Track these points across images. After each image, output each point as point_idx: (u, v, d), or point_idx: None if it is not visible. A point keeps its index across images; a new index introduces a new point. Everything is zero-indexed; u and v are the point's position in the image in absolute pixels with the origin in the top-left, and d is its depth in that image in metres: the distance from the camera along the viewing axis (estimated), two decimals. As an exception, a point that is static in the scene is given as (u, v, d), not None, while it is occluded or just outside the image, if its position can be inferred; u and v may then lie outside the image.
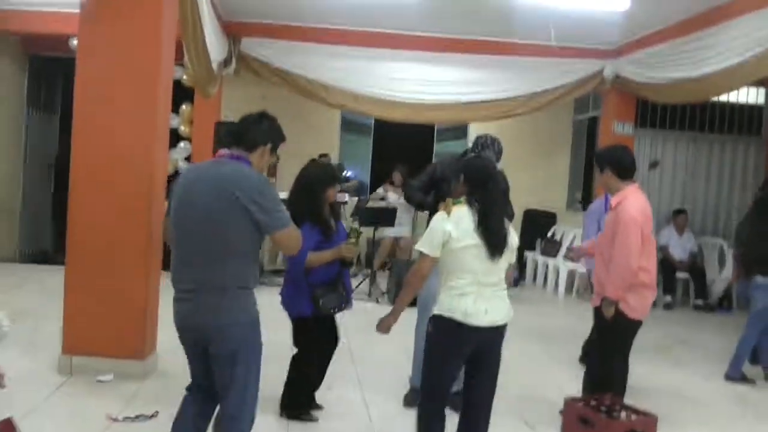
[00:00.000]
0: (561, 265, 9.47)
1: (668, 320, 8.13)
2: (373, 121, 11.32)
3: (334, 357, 4.31)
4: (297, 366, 4.15)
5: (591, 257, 4.56)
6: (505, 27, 8.61)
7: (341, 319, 4.29)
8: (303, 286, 3.94)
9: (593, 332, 4.42)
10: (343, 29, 9.16)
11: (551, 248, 10.03)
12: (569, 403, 3.92)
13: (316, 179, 4.07)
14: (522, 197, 10.98)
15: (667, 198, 10.42)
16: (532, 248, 10.54)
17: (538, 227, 10.77)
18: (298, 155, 10.13)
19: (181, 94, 8.87)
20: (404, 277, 3.46)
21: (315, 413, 4.22)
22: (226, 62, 8.87)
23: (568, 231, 10.03)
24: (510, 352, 5.62)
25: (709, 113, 10.42)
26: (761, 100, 10.64)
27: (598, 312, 4.14)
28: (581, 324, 7.98)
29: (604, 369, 4.17)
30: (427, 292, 3.76)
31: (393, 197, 9.77)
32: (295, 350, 4.18)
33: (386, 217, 8.75)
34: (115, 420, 3.92)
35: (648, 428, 3.71)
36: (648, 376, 5.35)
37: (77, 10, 4.72)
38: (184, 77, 8.70)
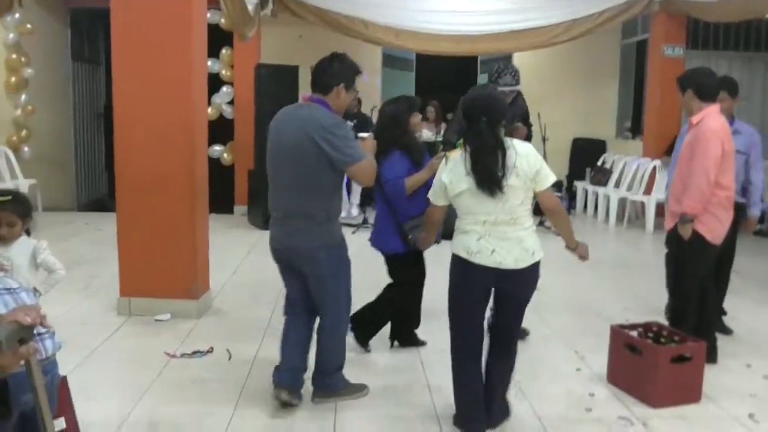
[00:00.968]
0: (611, 193, 9.31)
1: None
2: (414, 56, 11.14)
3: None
4: (396, 298, 4.23)
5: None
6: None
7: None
8: (392, 222, 4.01)
9: (667, 260, 4.29)
10: (379, -37, 8.96)
11: (601, 177, 9.87)
12: (615, 330, 3.91)
13: (398, 110, 4.11)
14: (570, 126, 10.84)
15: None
16: (582, 177, 10.38)
17: (587, 156, 10.59)
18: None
19: (220, 38, 8.85)
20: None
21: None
22: (262, 4, 8.79)
23: (618, 160, 9.83)
24: (560, 281, 5.75)
25: (765, 31, 9.91)
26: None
27: (671, 237, 4.05)
28: (633, 253, 7.94)
29: (676, 298, 4.11)
30: None
31: (427, 134, 9.64)
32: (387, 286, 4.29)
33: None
34: (173, 356, 4.10)
35: (697, 354, 3.69)
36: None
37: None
38: (222, 21, 8.67)
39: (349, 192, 9.47)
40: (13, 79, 9.17)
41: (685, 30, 9.35)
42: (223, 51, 9.42)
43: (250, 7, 7.33)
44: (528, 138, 4.81)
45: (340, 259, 3.41)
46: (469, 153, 3.00)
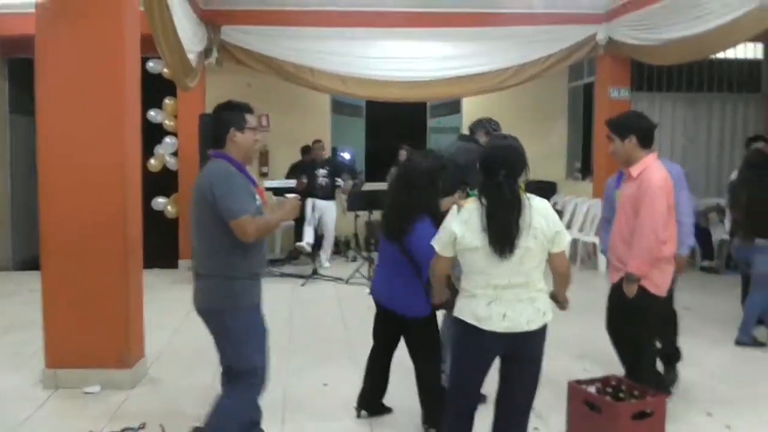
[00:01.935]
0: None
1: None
2: (364, 102, 11.09)
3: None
4: (433, 369, 3.78)
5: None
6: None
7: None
8: (417, 283, 3.61)
9: (611, 312, 4.11)
10: (325, 10, 8.93)
11: (553, 219, 9.81)
12: (573, 386, 3.73)
13: (434, 168, 3.68)
14: (520, 170, 10.84)
15: (666, 159, 10.15)
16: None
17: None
18: (290, 141, 10.00)
19: (164, 88, 8.63)
20: None
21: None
22: (207, 52, 8.63)
23: (569, 201, 9.84)
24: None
25: (707, 72, 10.16)
26: (760, 55, 10.34)
27: (616, 290, 3.85)
28: (587, 295, 7.82)
29: (631, 355, 3.93)
30: None
31: None
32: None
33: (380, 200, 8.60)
34: (100, 436, 3.77)
35: (658, 408, 3.52)
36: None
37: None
38: (164, 70, 8.45)
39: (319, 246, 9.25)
40: (-57, 133, 8.77)
41: (629, 72, 9.49)
42: (166, 101, 9.16)
43: (191, 56, 7.14)
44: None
45: (238, 325, 3.19)
46: (485, 208, 2.84)
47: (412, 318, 3.70)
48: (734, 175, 6.44)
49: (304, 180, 9.09)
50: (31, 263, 9.92)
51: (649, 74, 10.02)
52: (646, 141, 3.77)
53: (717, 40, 6.90)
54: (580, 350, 5.27)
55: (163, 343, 5.43)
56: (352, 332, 5.84)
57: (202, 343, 5.15)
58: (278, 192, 9.77)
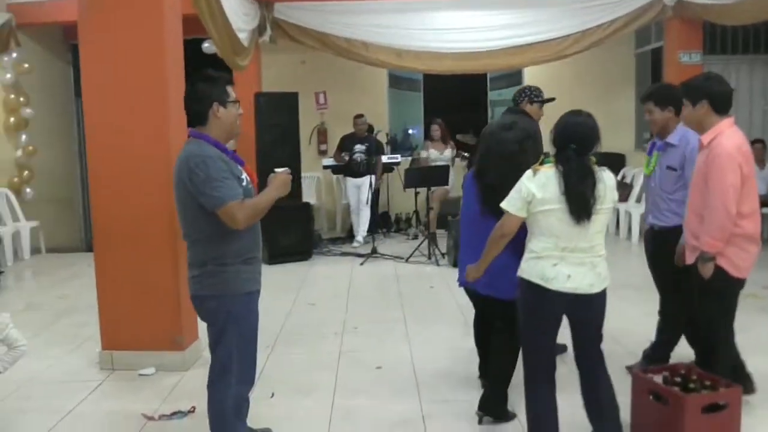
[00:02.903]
0: (633, 209, 8.87)
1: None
2: (422, 76, 10.85)
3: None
4: (512, 351, 3.55)
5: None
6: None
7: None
8: (515, 263, 3.26)
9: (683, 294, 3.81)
10: (378, -18, 8.72)
11: (621, 192, 9.37)
12: (638, 376, 3.48)
13: (525, 139, 3.56)
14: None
15: (744, 129, 9.52)
16: (600, 194, 9.94)
17: (605, 171, 10.16)
18: (348, 118, 9.85)
19: (218, 68, 8.60)
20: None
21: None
22: (260, 30, 8.56)
23: (639, 173, 9.39)
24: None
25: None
26: None
27: (691, 271, 3.54)
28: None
29: (706, 342, 3.63)
30: None
31: (434, 153, 9.29)
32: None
33: (437, 175, 8.43)
34: (151, 419, 3.76)
35: (732, 401, 3.25)
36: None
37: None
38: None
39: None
40: (12, 119, 9.05)
41: (701, 35, 8.94)
42: (224, 81, 9.16)
43: (243, 35, 7.07)
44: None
45: (237, 313, 2.98)
46: (561, 174, 2.93)
47: (505, 299, 3.41)
48: None
49: (346, 157, 9.00)
50: (98, 244, 10.24)
51: (723, 36, 9.42)
52: (720, 106, 3.44)
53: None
54: (649, 334, 4.97)
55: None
56: (408, 313, 5.72)
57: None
58: (336, 170, 9.72)
